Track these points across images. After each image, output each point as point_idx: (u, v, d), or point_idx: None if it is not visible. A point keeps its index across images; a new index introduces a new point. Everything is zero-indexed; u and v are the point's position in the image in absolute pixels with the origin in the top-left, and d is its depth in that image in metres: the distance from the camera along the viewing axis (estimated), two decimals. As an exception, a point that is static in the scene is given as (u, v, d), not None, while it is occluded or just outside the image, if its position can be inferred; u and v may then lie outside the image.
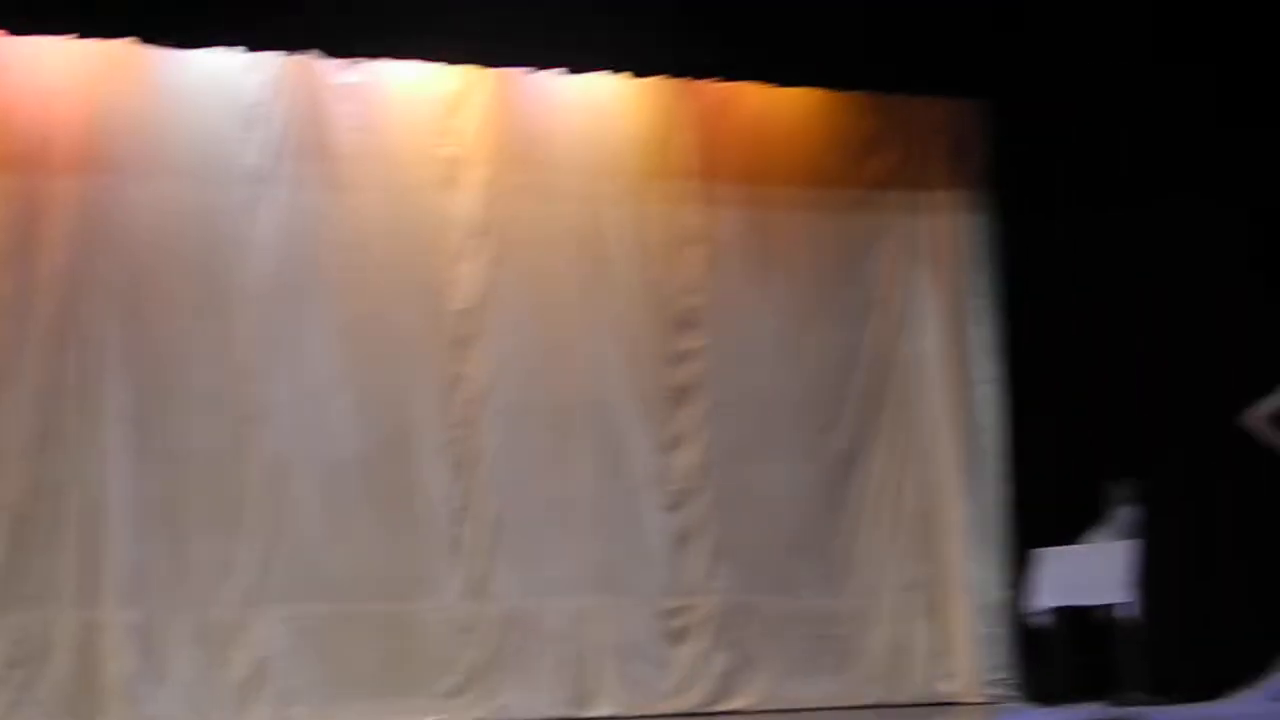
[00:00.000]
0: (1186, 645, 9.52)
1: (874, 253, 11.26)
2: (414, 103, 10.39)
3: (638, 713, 10.30)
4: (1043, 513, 10.99)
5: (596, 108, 10.66)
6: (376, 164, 10.33)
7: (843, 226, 11.21)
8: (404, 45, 9.37)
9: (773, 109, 11.01)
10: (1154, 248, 10.24)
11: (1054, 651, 10.36)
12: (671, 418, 10.72)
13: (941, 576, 11.10)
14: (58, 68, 9.71)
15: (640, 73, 10.22)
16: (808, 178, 11.11)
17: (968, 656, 10.97)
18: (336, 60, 9.99)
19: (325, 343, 10.11)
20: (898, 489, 11.12)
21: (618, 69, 10.06)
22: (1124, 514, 10.37)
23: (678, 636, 10.55)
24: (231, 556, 9.78)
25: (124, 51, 9.68)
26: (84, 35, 9.42)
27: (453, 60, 9.92)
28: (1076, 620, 10.47)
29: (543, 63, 9.80)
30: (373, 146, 10.33)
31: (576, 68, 9.88)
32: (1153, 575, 9.67)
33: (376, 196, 10.33)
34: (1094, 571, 10.13)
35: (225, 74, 9.98)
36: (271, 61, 9.98)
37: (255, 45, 9.41)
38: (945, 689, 10.95)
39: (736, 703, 10.55)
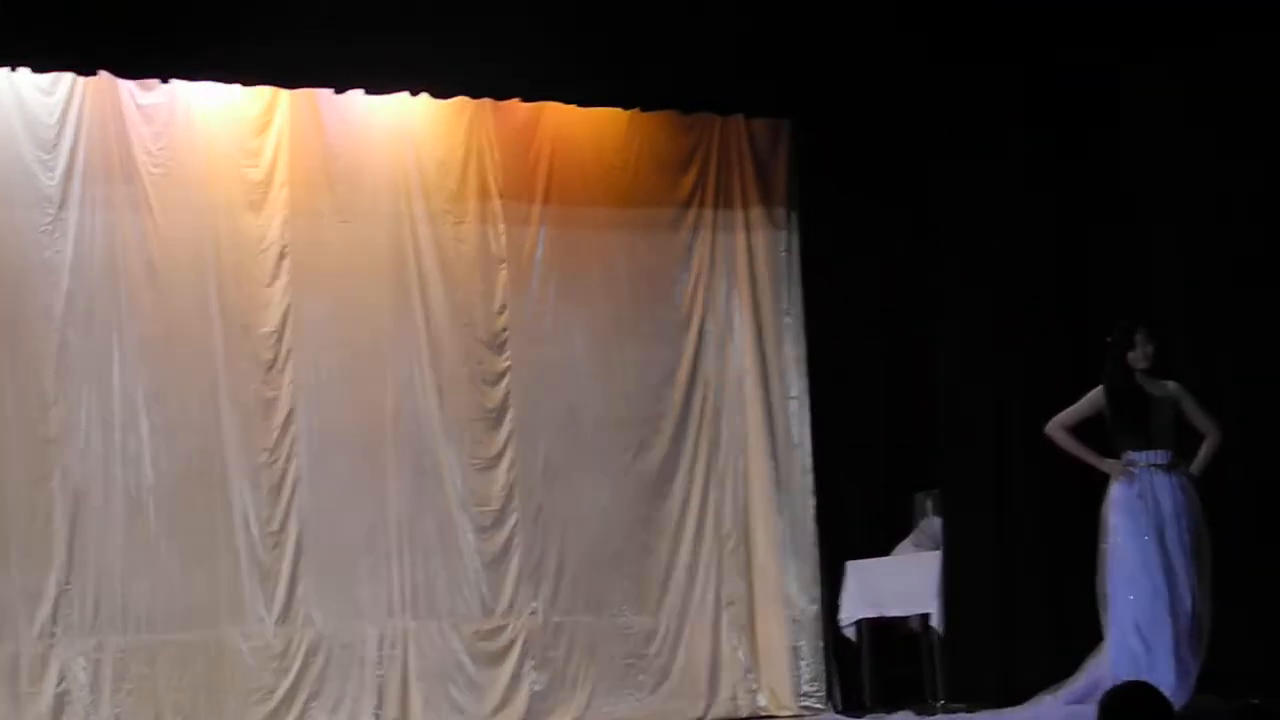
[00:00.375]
0: (989, 654, 9.68)
1: (685, 271, 11.33)
2: (218, 124, 10.24)
3: (453, 735, 10.29)
4: (853, 525, 11.16)
5: (401, 129, 10.59)
6: (180, 186, 10.18)
7: (653, 245, 11.26)
8: (200, 66, 9.22)
9: (580, 128, 11.02)
10: (954, 260, 10.42)
11: (862, 662, 10.51)
12: (484, 439, 10.68)
13: (755, 591, 11.18)
14: None
15: (438, 94, 10.18)
16: (616, 197, 11.14)
17: (781, 670, 11.04)
18: (135, 81, 9.84)
19: (129, 367, 9.92)
20: (710, 506, 11.18)
21: (415, 91, 9.99)
22: (931, 525, 10.54)
23: (492, 658, 10.51)
24: (30, 586, 9.54)
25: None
26: None
27: (250, 82, 9.79)
28: (885, 631, 10.64)
29: (341, 84, 9.71)
30: (176, 168, 10.17)
31: (374, 89, 9.80)
32: (956, 585, 9.83)
33: (181, 218, 10.18)
34: (901, 582, 10.30)
35: (23, 94, 9.77)
36: (71, 82, 9.81)
37: (42, 65, 9.18)
38: (758, 703, 11.04)
39: (552, 723, 10.57)
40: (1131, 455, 8.37)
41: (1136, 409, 8.34)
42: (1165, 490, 8.27)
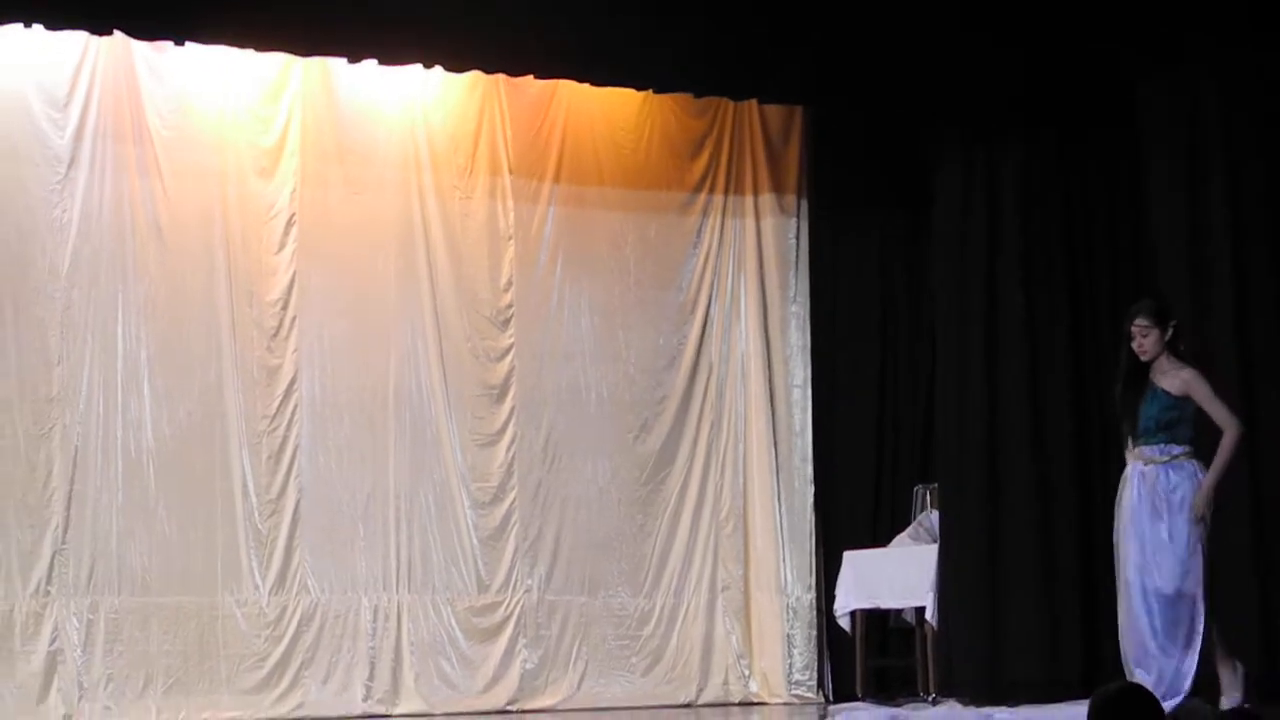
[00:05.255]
0: (981, 649, 9.65)
1: (693, 255, 11.33)
2: (231, 89, 10.26)
3: (443, 710, 10.23)
4: (851, 515, 11.15)
5: (414, 101, 10.60)
6: (191, 149, 10.18)
7: (662, 227, 11.26)
8: (214, 30, 9.15)
9: (593, 108, 11.04)
10: (964, 254, 10.35)
11: (855, 652, 10.49)
12: (485, 415, 10.68)
13: (750, 578, 11.18)
14: None
15: (451, 68, 10.11)
16: (627, 178, 11.15)
17: (773, 657, 11.05)
18: (149, 42, 9.80)
19: (133, 329, 9.93)
20: (709, 490, 11.18)
21: (429, 64, 9.94)
22: (929, 519, 10.52)
23: (485, 635, 10.52)
24: (27, 545, 9.56)
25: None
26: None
27: (264, 47, 9.73)
28: (879, 622, 10.62)
29: (355, 54, 9.67)
30: (187, 131, 10.18)
31: (387, 60, 9.75)
32: (951, 579, 9.80)
33: (191, 182, 10.19)
34: (897, 575, 10.26)
35: (36, 52, 9.74)
36: (85, 41, 9.78)
37: (56, 23, 9.09)
38: (750, 689, 11.03)
39: (543, 701, 10.54)
40: (1131, 447, 8.11)
41: (1131, 399, 8.10)
42: (1162, 484, 7.92)
